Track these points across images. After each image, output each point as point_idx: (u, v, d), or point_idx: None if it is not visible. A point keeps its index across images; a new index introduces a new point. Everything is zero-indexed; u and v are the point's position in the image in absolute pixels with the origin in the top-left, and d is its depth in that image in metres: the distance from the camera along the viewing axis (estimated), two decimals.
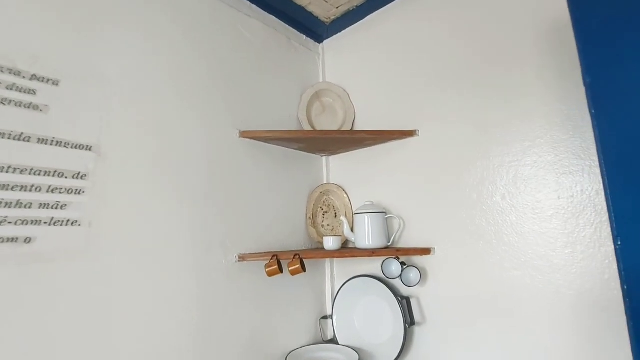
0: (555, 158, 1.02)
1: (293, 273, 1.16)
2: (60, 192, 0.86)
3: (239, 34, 1.34)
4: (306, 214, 1.47)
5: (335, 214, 1.50)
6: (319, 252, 1.23)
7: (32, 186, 0.81)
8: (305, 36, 1.62)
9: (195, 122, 1.15)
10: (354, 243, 1.32)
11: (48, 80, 0.86)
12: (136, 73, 1.02)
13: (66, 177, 0.87)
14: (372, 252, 1.20)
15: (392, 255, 1.21)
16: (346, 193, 1.50)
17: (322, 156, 1.58)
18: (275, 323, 1.28)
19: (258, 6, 1.42)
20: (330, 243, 1.25)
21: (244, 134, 1.26)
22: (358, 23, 1.56)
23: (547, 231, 1.01)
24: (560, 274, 0.98)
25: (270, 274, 1.15)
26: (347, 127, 1.50)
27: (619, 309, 0.89)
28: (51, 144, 0.85)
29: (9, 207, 0.78)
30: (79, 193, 0.89)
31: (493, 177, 1.12)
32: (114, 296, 0.90)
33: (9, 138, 0.79)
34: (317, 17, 1.56)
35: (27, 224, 0.80)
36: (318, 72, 1.65)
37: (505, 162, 1.11)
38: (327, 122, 1.53)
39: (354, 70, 1.57)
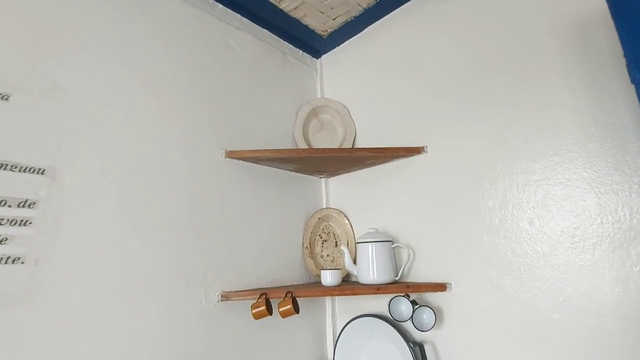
0: (592, 174, 0.85)
1: (284, 315, 0.98)
2: (0, 224, 0.72)
3: (227, 47, 1.24)
4: (303, 243, 1.30)
5: (336, 242, 1.34)
6: (316, 289, 1.06)
7: None
8: (301, 51, 1.51)
9: (174, 141, 1.02)
10: (356, 277, 1.14)
11: None
12: (103, 87, 0.91)
13: (9, 206, 0.74)
14: (377, 289, 1.03)
15: (401, 293, 1.03)
16: (347, 219, 1.34)
17: (320, 177, 1.43)
18: None
19: (249, 19, 1.32)
20: (328, 278, 1.08)
21: (231, 154, 1.12)
22: (357, 35, 1.46)
23: (589, 264, 0.83)
24: (610, 317, 0.79)
25: (257, 316, 0.98)
26: (348, 145, 1.36)
27: None
28: None
29: None
30: (24, 224, 0.75)
31: (518, 198, 0.95)
32: (66, 348, 0.74)
33: None
34: (314, 30, 1.46)
35: None
36: (316, 87, 1.54)
37: (531, 180, 0.94)
38: (325, 141, 1.39)
39: (354, 84, 1.45)
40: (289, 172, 1.33)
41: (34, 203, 0.77)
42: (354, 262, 1.18)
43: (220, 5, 1.23)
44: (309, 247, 1.30)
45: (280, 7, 1.32)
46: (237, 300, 1.03)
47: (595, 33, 0.88)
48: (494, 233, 0.98)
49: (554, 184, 0.90)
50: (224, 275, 1.05)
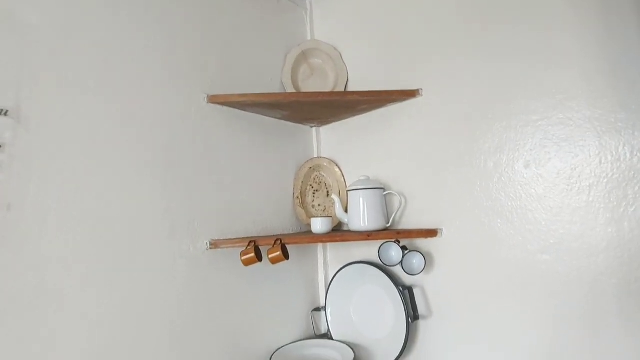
0: (596, 113, 0.81)
1: (273, 261, 0.98)
2: None
3: None
4: (294, 193, 1.28)
5: (328, 192, 1.31)
6: (305, 236, 1.05)
7: None
8: None
9: (150, 82, 0.95)
10: (347, 225, 1.13)
11: None
12: (68, 18, 0.82)
13: None
14: (367, 235, 1.01)
15: (392, 239, 1.02)
16: (339, 168, 1.30)
17: (311, 127, 1.37)
18: (259, 318, 1.11)
19: None
20: (318, 226, 1.06)
21: (213, 99, 1.06)
22: None
23: (584, 205, 0.81)
24: (600, 258, 0.78)
25: (246, 263, 0.97)
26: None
27: None
28: None
29: None
30: None
31: (515, 140, 0.91)
32: (49, 291, 0.73)
33: None
34: None
35: None
36: (305, 29, 1.43)
37: (530, 121, 0.89)
38: (316, 87, 1.32)
39: (347, 26, 1.34)
40: (277, 120, 1.26)
41: (1, 146, 0.72)
42: (345, 211, 1.16)
43: None
44: (300, 196, 1.27)
45: None
46: (226, 248, 1.01)
47: None
48: (488, 177, 0.95)
49: (554, 123, 0.86)
50: (212, 224, 1.03)
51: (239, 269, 1.05)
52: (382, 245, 1.02)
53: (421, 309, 1.05)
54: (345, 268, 1.18)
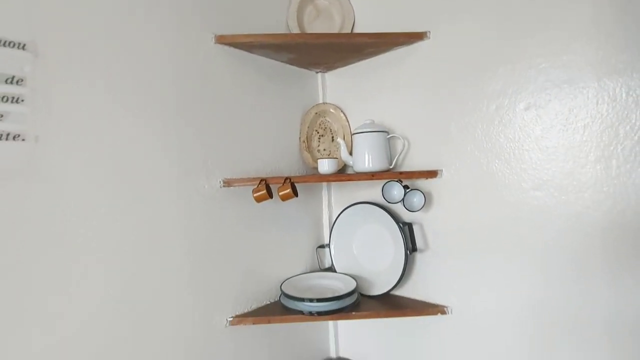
0: (599, 55, 0.83)
1: (283, 198, 1.04)
2: None
3: None
4: (300, 137, 1.32)
5: (332, 137, 1.35)
6: (313, 176, 1.11)
7: None
8: None
9: (160, 22, 0.94)
10: (352, 167, 1.19)
11: None
12: None
13: None
14: (371, 175, 1.07)
15: (394, 179, 1.08)
16: (344, 114, 1.33)
17: (317, 72, 1.38)
18: (268, 252, 1.21)
19: None
20: (325, 166, 1.12)
21: (221, 39, 1.06)
22: None
23: (578, 144, 0.86)
24: (588, 193, 0.85)
25: (258, 200, 1.04)
26: None
27: None
28: None
29: None
30: (16, 101, 0.73)
31: (518, 83, 0.94)
32: (74, 222, 0.79)
33: None
34: None
35: None
36: None
37: (534, 64, 0.91)
38: (322, 29, 1.30)
39: None
40: (284, 64, 1.27)
41: (22, 80, 0.74)
42: (350, 154, 1.21)
43: None
44: (305, 141, 1.31)
45: None
46: (239, 186, 1.08)
47: None
48: (489, 120, 0.99)
49: (556, 66, 0.88)
50: (224, 164, 1.08)
51: (251, 207, 1.13)
52: (385, 184, 1.08)
53: (419, 243, 1.14)
54: (349, 208, 1.26)
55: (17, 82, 0.74)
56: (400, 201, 1.08)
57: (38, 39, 0.76)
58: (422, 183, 1.13)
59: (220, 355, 1.06)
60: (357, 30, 1.29)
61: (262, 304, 1.18)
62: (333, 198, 1.39)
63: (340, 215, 1.29)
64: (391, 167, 1.14)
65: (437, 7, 1.08)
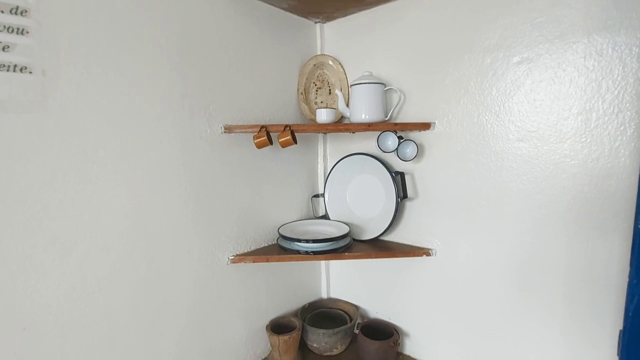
0: (590, 11, 0.87)
1: (284, 145, 1.09)
2: None
3: None
4: (297, 89, 1.34)
5: (330, 90, 1.38)
6: (311, 125, 1.14)
7: None
8: None
9: None
10: (348, 119, 1.23)
11: None
12: None
13: (2, 11, 0.71)
14: (368, 126, 1.12)
15: (390, 129, 1.13)
16: (342, 67, 1.35)
17: (315, 22, 1.37)
18: (266, 198, 1.27)
19: None
20: (323, 116, 1.16)
21: None
22: None
23: (563, 97, 0.92)
24: (567, 143, 0.92)
25: (259, 145, 1.08)
26: None
27: (624, 176, 0.86)
28: None
29: None
30: (21, 33, 0.73)
31: (514, 37, 0.97)
32: (79, 157, 0.82)
33: None
34: None
35: None
36: None
37: (530, 18, 0.95)
38: None
39: None
40: (284, 12, 1.26)
41: (26, 11, 0.74)
42: (347, 106, 1.24)
43: None
44: (303, 92, 1.33)
45: None
46: (239, 132, 1.11)
47: None
48: (483, 74, 1.03)
49: (550, 21, 0.92)
50: (225, 111, 1.10)
51: (250, 154, 1.17)
52: (380, 134, 1.13)
53: (409, 192, 1.21)
54: (345, 159, 1.32)
55: (22, 12, 0.73)
56: (394, 151, 1.13)
57: None
58: (415, 135, 1.18)
59: (223, 289, 1.14)
60: None
61: (261, 246, 1.26)
62: (328, 150, 1.44)
63: (336, 166, 1.34)
64: (387, 118, 1.19)
65: None
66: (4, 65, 0.72)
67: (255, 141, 1.08)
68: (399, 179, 1.19)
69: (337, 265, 1.49)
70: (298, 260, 1.14)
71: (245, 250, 1.20)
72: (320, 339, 1.27)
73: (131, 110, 0.89)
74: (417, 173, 1.21)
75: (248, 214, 1.21)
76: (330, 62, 1.35)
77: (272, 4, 1.20)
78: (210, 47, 1.06)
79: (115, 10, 0.85)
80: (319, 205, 1.45)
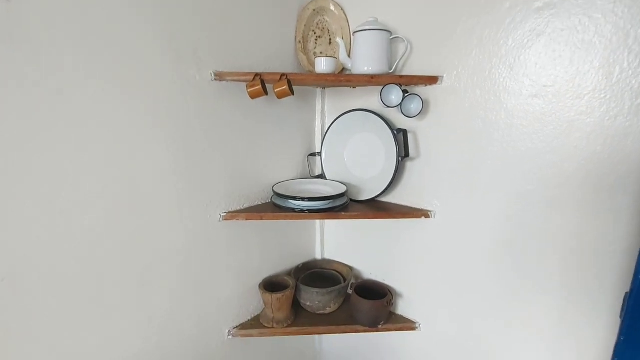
0: None
1: (280, 95, 1.01)
2: None
3: None
4: (295, 37, 1.23)
5: (330, 39, 1.27)
6: (310, 75, 1.06)
7: None
8: None
9: None
10: (350, 70, 1.14)
11: None
12: None
13: None
14: (371, 78, 1.04)
15: (394, 83, 1.05)
16: (345, 13, 1.23)
17: None
18: (260, 155, 1.20)
19: None
20: (322, 65, 1.07)
21: None
22: None
23: (587, 48, 0.84)
24: (585, 99, 0.86)
25: (253, 95, 1.00)
26: None
27: None
28: None
29: None
30: None
31: None
32: (57, 96, 0.74)
33: None
34: None
35: None
36: None
37: None
38: None
39: None
40: None
41: None
42: (349, 56, 1.15)
43: None
44: (301, 41, 1.23)
45: None
46: (231, 80, 1.02)
47: None
48: (499, 21, 0.94)
49: None
50: (215, 55, 1.00)
51: (244, 105, 1.09)
52: (385, 86, 1.05)
53: (411, 151, 1.15)
54: (344, 115, 1.24)
55: None
56: (397, 106, 1.06)
57: None
58: (420, 89, 1.11)
59: (215, 247, 1.11)
60: None
61: (254, 204, 1.21)
62: (327, 106, 1.36)
63: (334, 123, 1.27)
64: (391, 71, 1.10)
65: None
66: None
67: (248, 90, 0.99)
68: (401, 136, 1.12)
69: (332, 226, 1.46)
70: (293, 219, 1.10)
71: (238, 208, 1.16)
72: (313, 298, 1.27)
73: (111, 45, 0.80)
74: (421, 131, 1.14)
75: (241, 171, 1.15)
76: (332, 7, 1.23)
77: None
78: None
79: None
80: (315, 165, 1.39)
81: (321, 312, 1.30)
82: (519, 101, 0.95)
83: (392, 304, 1.27)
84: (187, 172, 1.00)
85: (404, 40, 1.09)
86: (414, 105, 1.07)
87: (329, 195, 1.12)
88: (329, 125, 1.29)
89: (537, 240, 0.98)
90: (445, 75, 1.06)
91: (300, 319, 1.28)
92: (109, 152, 0.83)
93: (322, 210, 1.10)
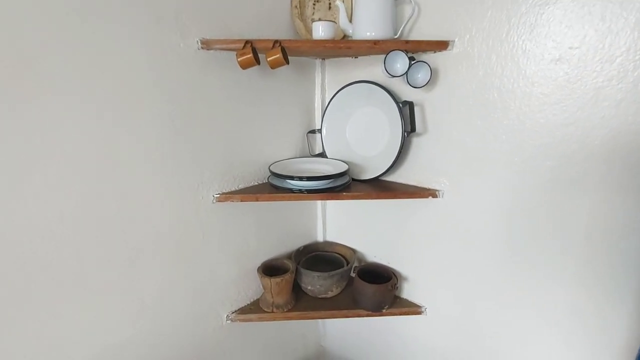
0: None
1: (273, 64, 0.92)
2: None
3: None
4: (291, 2, 1.12)
5: (329, 4, 1.16)
6: (306, 41, 0.97)
7: None
8: None
9: None
10: (351, 37, 1.04)
11: None
12: None
13: None
14: (374, 44, 0.94)
15: (400, 49, 0.95)
16: None
17: None
18: (256, 132, 1.12)
19: None
20: (320, 30, 0.97)
21: None
22: None
23: (620, 2, 0.73)
24: (617, 61, 0.76)
25: (243, 65, 0.91)
26: None
27: None
28: None
29: None
30: None
31: None
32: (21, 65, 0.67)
33: None
34: None
35: None
36: None
37: None
38: None
39: None
40: None
41: None
42: (350, 22, 1.04)
43: None
44: (298, 6, 1.12)
45: None
46: (220, 49, 0.94)
47: None
48: None
49: None
50: (201, 20, 0.91)
51: (235, 77, 1.01)
52: (389, 53, 0.95)
53: (417, 126, 1.06)
54: (345, 88, 1.15)
55: None
56: (403, 75, 0.96)
57: None
58: (428, 57, 1.00)
59: (208, 230, 1.05)
60: None
61: (250, 185, 1.14)
62: (327, 79, 1.26)
63: (335, 97, 1.18)
64: (396, 36, 1.00)
65: None
66: None
67: (239, 59, 0.90)
68: (406, 110, 1.03)
69: (334, 207, 1.39)
70: (291, 200, 1.03)
71: (233, 189, 1.09)
72: (315, 282, 1.21)
73: (86, 20, 0.71)
74: (428, 104, 1.05)
75: (235, 149, 1.08)
76: None
77: None
78: None
79: None
80: (315, 142, 1.31)
81: (323, 296, 1.25)
82: (540, 67, 0.84)
83: (397, 287, 1.21)
84: (176, 150, 0.92)
85: (410, 1, 0.98)
86: (421, 75, 0.97)
87: (329, 174, 1.04)
88: (329, 99, 1.20)
89: (555, 221, 0.90)
90: (456, 40, 0.95)
91: (302, 303, 1.23)
92: (87, 128, 0.76)
93: (322, 191, 1.03)
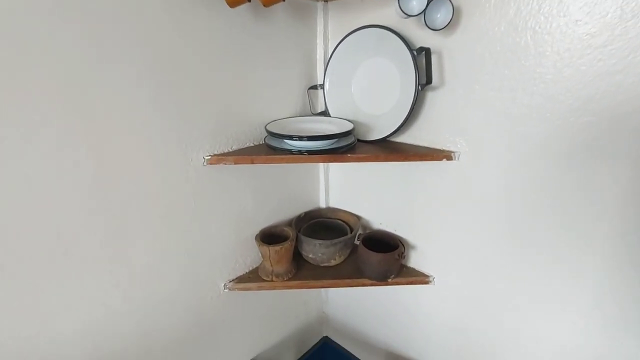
0: None
1: (266, 2, 0.78)
2: None
3: None
4: None
5: None
6: None
7: None
8: None
9: None
10: None
11: None
12: None
13: None
14: None
15: None
16: None
17: None
18: (251, 88, 1.00)
19: None
20: None
21: None
22: None
23: None
24: (630, 22, 0.62)
25: (232, 3, 0.77)
26: None
27: None
28: None
29: None
30: None
31: None
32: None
33: None
34: None
35: None
36: None
37: None
38: None
39: None
40: None
41: None
42: None
43: None
44: None
45: None
46: None
47: None
48: None
49: None
50: None
51: (227, 25, 0.89)
52: None
53: (433, 78, 0.93)
54: (350, 36, 1.01)
55: None
56: (420, 14, 0.82)
57: None
58: None
59: (200, 195, 0.96)
60: None
61: (245, 146, 1.03)
62: (330, 26, 1.11)
63: (339, 46, 1.04)
64: None
65: None
66: None
67: None
68: (422, 58, 0.90)
69: (337, 170, 1.29)
70: (290, 162, 0.93)
71: (226, 150, 0.99)
72: (316, 250, 1.14)
73: None
74: (447, 51, 0.91)
75: (227, 106, 0.96)
76: None
77: None
78: None
79: None
80: (317, 99, 1.19)
81: (325, 264, 1.18)
82: (586, 1, 0.70)
83: (404, 256, 1.13)
84: (159, 104, 0.81)
85: None
86: (441, 15, 0.82)
87: (332, 133, 0.93)
88: (332, 49, 1.06)
89: (587, 192, 0.79)
90: None
91: (303, 271, 1.17)
92: (51, 69, 0.64)
93: (324, 152, 0.92)
